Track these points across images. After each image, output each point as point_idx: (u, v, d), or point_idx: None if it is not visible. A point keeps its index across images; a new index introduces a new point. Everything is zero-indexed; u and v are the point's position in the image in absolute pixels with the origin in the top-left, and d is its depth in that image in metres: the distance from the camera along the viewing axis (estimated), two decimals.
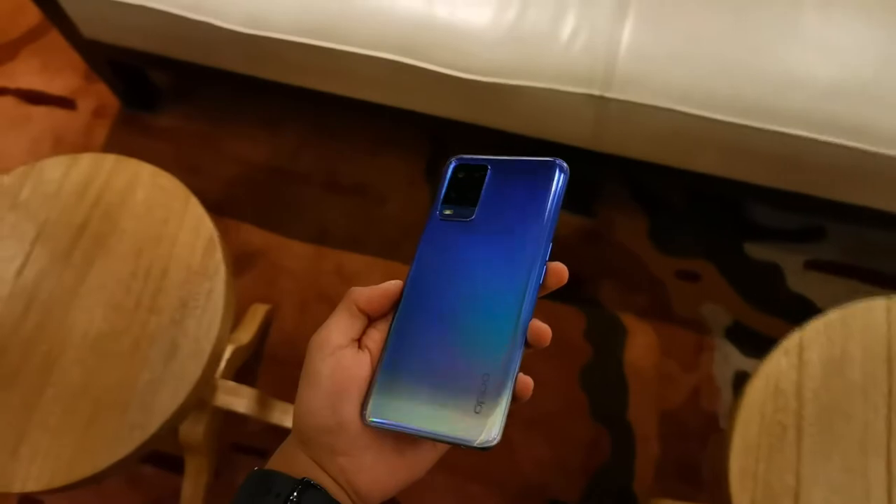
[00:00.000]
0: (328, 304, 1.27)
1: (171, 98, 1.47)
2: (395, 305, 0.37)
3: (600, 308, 1.22)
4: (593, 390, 1.17)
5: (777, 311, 1.19)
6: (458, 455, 1.17)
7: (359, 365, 0.36)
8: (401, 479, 0.36)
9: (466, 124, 1.14)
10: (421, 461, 0.37)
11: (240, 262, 1.30)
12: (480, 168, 0.39)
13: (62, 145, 1.43)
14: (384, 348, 0.37)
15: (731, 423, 0.70)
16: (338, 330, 0.36)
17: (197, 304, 0.77)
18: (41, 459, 0.71)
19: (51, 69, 1.51)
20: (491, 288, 0.36)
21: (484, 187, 0.39)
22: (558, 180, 0.38)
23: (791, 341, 0.72)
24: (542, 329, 0.35)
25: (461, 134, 1.15)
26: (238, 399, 1.02)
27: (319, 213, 1.35)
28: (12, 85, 1.50)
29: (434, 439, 0.34)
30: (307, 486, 0.34)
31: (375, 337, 0.37)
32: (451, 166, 0.40)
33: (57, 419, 0.73)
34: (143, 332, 0.76)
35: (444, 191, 0.40)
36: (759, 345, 1.17)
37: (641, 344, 1.19)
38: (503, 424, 0.33)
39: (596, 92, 0.97)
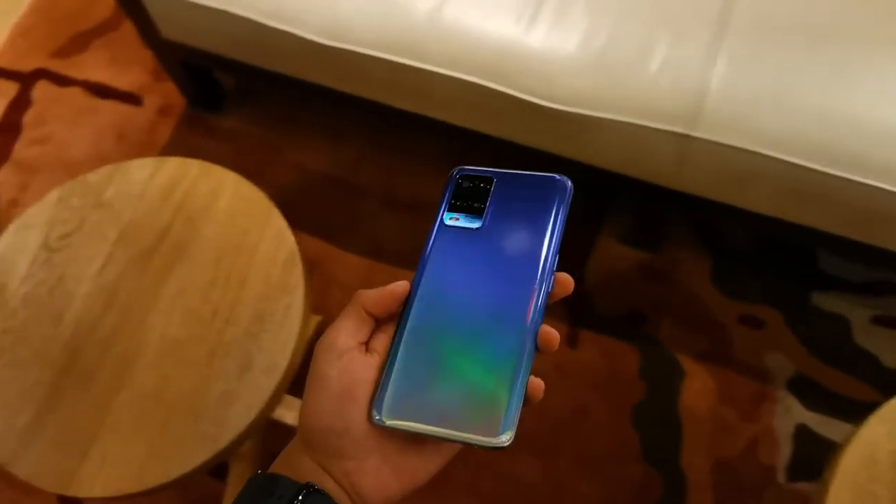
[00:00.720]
0: None
1: (235, 100, 1.47)
2: (402, 307, 0.38)
3: (658, 347, 1.20)
4: (645, 430, 1.15)
5: (842, 366, 1.16)
6: (506, 489, 1.15)
7: (366, 368, 0.36)
8: (405, 484, 0.36)
9: (536, 151, 1.13)
10: (426, 467, 0.36)
11: None
12: (485, 179, 0.41)
13: (125, 141, 1.44)
14: (391, 349, 0.37)
15: (822, 491, 0.67)
16: (346, 333, 0.36)
17: (274, 318, 0.76)
18: (111, 464, 0.71)
19: (120, 64, 1.52)
20: (500, 293, 0.37)
21: (490, 198, 0.40)
22: (565, 195, 0.40)
23: (887, 409, 0.69)
24: (551, 334, 0.36)
25: (528, 160, 1.14)
26: (290, 412, 1.01)
27: (375, 227, 1.34)
28: (80, 76, 1.51)
29: (445, 440, 0.35)
30: (311, 490, 0.34)
31: (383, 340, 0.37)
32: (455, 175, 0.42)
33: (129, 424, 0.72)
34: (219, 342, 0.75)
35: (448, 198, 0.41)
36: (822, 399, 1.14)
37: (699, 387, 1.17)
38: (516, 425, 0.34)
39: (681, 130, 0.95)
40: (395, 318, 0.38)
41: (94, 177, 0.84)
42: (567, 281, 0.38)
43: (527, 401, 0.35)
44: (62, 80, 1.51)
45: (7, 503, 1.12)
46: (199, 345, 0.75)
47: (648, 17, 0.97)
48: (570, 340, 1.23)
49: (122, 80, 1.50)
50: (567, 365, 1.21)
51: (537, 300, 0.37)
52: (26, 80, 1.52)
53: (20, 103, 1.49)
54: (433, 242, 0.40)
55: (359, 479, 0.35)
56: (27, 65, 1.54)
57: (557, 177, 0.40)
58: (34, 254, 0.79)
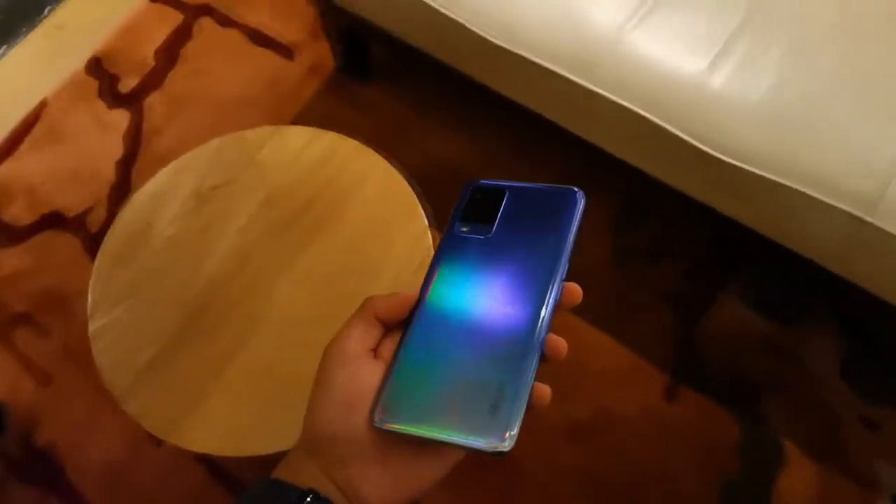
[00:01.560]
0: None
1: (382, 73, 1.47)
2: (411, 314, 0.38)
3: (762, 424, 1.13)
4: None
5: None
6: None
7: (373, 375, 0.36)
8: (408, 492, 0.36)
9: (681, 194, 1.07)
10: (429, 474, 0.36)
11: None
12: (499, 191, 0.41)
13: (272, 91, 1.46)
14: (396, 354, 0.37)
15: None
16: (354, 339, 0.36)
17: None
18: (214, 423, 0.71)
19: (281, 15, 1.54)
20: (508, 301, 0.37)
21: (502, 208, 0.40)
22: (577, 207, 0.40)
23: None
24: (559, 342, 0.36)
25: (667, 201, 1.08)
26: None
27: None
28: (242, 21, 1.54)
29: (448, 444, 0.34)
30: (314, 497, 0.34)
31: (391, 346, 0.37)
32: (470, 188, 0.41)
33: (240, 389, 0.73)
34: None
35: (461, 209, 0.41)
36: None
37: (799, 479, 1.09)
38: (518, 431, 0.34)
39: (858, 212, 0.88)
40: (404, 324, 0.38)
41: (252, 134, 0.84)
42: (575, 291, 0.38)
43: (531, 407, 0.35)
44: (224, 21, 1.55)
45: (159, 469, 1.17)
46: (320, 327, 0.74)
47: (855, 83, 0.90)
48: (669, 393, 1.17)
49: (280, 31, 1.52)
50: (661, 417, 1.16)
51: (545, 309, 0.36)
52: (191, 14, 1.56)
53: (182, 35, 1.54)
54: (443, 251, 0.40)
55: (361, 487, 0.35)
56: None
57: (573, 189, 0.40)
58: (185, 198, 0.81)
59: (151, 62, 1.51)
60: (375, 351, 0.37)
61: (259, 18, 1.54)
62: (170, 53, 1.52)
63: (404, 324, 0.38)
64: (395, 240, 0.78)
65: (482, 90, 1.17)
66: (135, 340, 0.74)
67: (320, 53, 1.48)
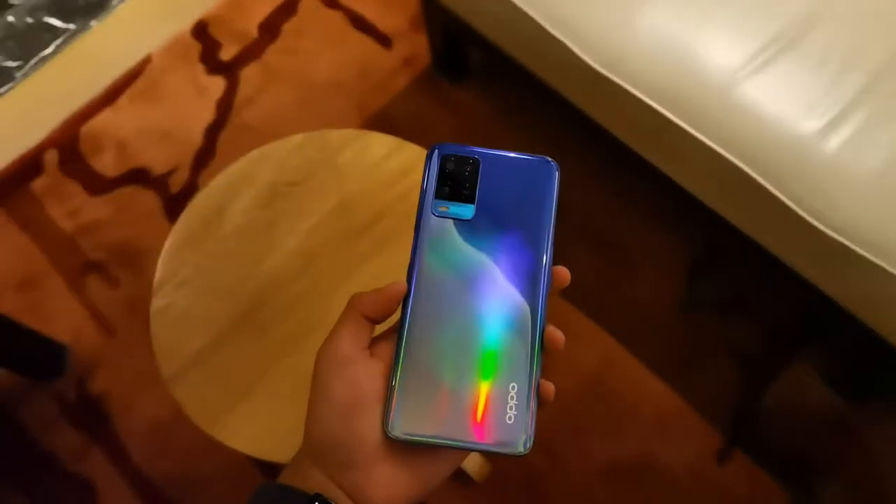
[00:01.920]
0: None
1: (476, 77, 1.44)
2: (402, 308, 0.36)
3: None
4: None
5: None
6: None
7: (371, 377, 0.35)
8: (415, 492, 0.35)
9: (766, 252, 1.01)
10: (436, 473, 0.36)
11: None
12: (470, 161, 0.38)
13: (364, 78, 1.46)
14: (396, 356, 0.35)
15: None
16: (346, 341, 0.35)
17: None
18: (257, 422, 0.72)
19: (385, 3, 1.53)
20: (503, 291, 0.36)
21: (479, 184, 0.37)
22: (555, 182, 0.38)
23: None
24: (557, 334, 0.36)
25: (752, 255, 1.02)
26: None
27: (566, 254, 1.28)
28: (346, 3, 1.54)
29: (466, 450, 0.34)
30: (321, 502, 0.33)
31: (385, 344, 0.36)
32: (436, 156, 0.38)
33: (285, 392, 0.73)
34: None
35: (433, 184, 0.37)
36: None
37: None
38: (534, 429, 0.34)
39: None
40: (395, 319, 0.36)
41: (335, 136, 0.83)
42: (564, 274, 0.37)
43: (540, 403, 0.35)
44: (329, 1, 1.55)
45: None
46: None
47: None
48: (721, 455, 1.12)
49: (381, 19, 1.51)
50: (707, 478, 1.11)
51: (541, 297, 0.36)
52: None
53: (287, 10, 1.55)
54: (425, 235, 0.37)
55: (368, 490, 0.34)
56: None
57: (548, 161, 0.38)
58: (260, 190, 0.81)
59: (254, 34, 1.53)
60: (370, 349, 0.36)
61: (363, 3, 1.54)
62: (272, 27, 1.53)
63: (399, 320, 0.36)
64: None
65: (574, 110, 1.13)
66: (190, 326, 0.74)
67: (417, 47, 1.46)
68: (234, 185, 0.81)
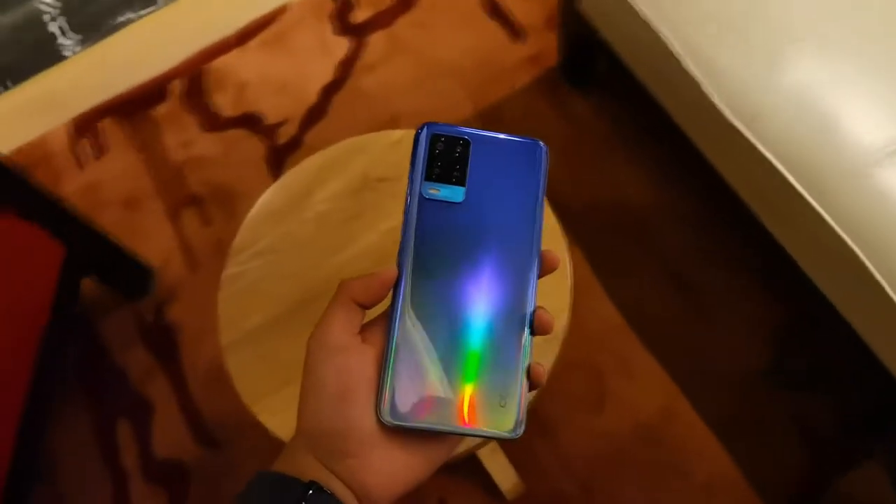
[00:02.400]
0: (597, 381, 1.17)
1: (600, 88, 1.38)
2: (393, 293, 0.36)
3: None
4: None
5: None
6: None
7: (364, 364, 0.35)
8: (411, 478, 0.36)
9: (859, 337, 0.93)
10: (430, 459, 0.36)
11: None
12: (460, 142, 0.37)
13: (485, 67, 1.43)
14: (389, 342, 0.35)
15: None
16: (337, 327, 0.35)
17: None
18: (294, 409, 0.72)
19: None
20: (494, 275, 0.36)
21: (469, 166, 0.37)
22: (543, 165, 0.38)
23: None
24: (547, 317, 0.36)
25: (845, 338, 0.94)
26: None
27: (645, 286, 1.23)
28: None
29: (461, 435, 0.35)
30: (316, 489, 0.33)
31: (376, 330, 0.36)
32: (425, 135, 0.37)
33: None
34: None
35: (423, 164, 0.37)
36: None
37: None
38: (526, 412, 0.35)
39: None
40: (386, 304, 0.36)
41: (396, 134, 0.82)
42: (554, 258, 0.37)
43: (532, 386, 0.35)
44: None
45: None
46: None
47: None
48: None
49: (518, 9, 1.47)
50: None
51: (532, 282, 0.36)
52: None
53: None
54: (415, 218, 0.36)
55: (363, 477, 0.34)
56: None
57: (537, 143, 0.38)
58: (349, 179, 0.81)
59: (389, 1, 1.52)
60: (361, 335, 0.36)
61: None
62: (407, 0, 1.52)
63: (390, 306, 0.36)
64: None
65: (694, 150, 1.07)
66: (254, 301, 0.76)
67: (547, 45, 1.42)
68: (326, 169, 0.81)
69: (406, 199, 0.36)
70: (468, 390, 0.35)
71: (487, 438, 0.35)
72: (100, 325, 1.30)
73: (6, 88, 1.56)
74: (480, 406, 0.34)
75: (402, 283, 0.36)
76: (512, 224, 0.37)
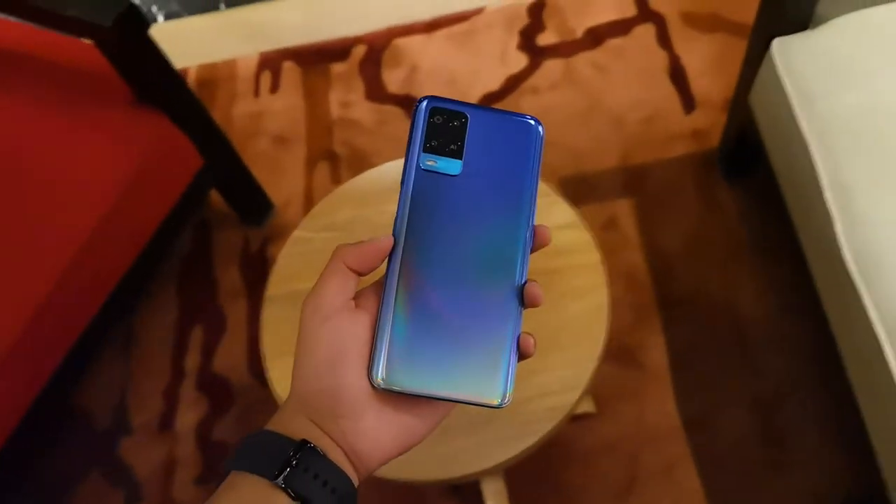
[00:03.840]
0: (631, 469, 1.11)
1: (751, 186, 1.30)
2: (388, 261, 0.37)
3: None
4: None
5: None
6: None
7: (357, 328, 0.35)
8: (402, 442, 0.36)
9: None
10: (423, 424, 0.36)
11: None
12: (459, 115, 0.38)
13: (647, 125, 1.39)
14: (383, 308, 0.36)
15: None
16: (331, 292, 0.36)
17: None
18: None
19: (712, 67, 1.42)
20: (487, 247, 0.37)
21: (467, 140, 0.38)
22: (539, 142, 0.38)
23: None
24: (536, 290, 0.36)
25: None
26: None
27: (720, 402, 1.15)
28: (674, 47, 1.46)
29: (449, 400, 0.36)
30: (306, 448, 0.34)
31: (371, 296, 0.37)
32: (424, 107, 0.38)
33: None
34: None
35: (421, 136, 0.37)
36: None
37: None
38: (513, 382, 0.36)
39: None
40: (380, 271, 0.37)
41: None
42: (546, 234, 0.38)
43: (521, 356, 0.36)
44: (663, 39, 1.48)
45: None
46: None
47: None
48: None
49: (698, 81, 1.42)
50: None
51: (524, 255, 0.37)
52: (642, 14, 1.51)
53: (621, 26, 1.51)
54: (411, 188, 0.37)
55: (355, 438, 0.35)
56: (663, 7, 1.52)
57: (534, 120, 0.38)
58: None
59: (578, 34, 1.52)
60: (355, 301, 0.37)
61: (692, 57, 1.44)
62: (598, 36, 1.51)
63: (385, 273, 0.37)
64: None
65: (821, 314, 0.96)
66: (308, 267, 0.80)
67: (715, 126, 1.35)
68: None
69: (403, 170, 0.37)
70: (457, 358, 0.35)
71: (475, 405, 0.35)
72: (213, 235, 1.43)
73: (217, 10, 1.73)
74: (470, 374, 0.35)
75: (397, 252, 0.36)
76: (507, 198, 0.37)
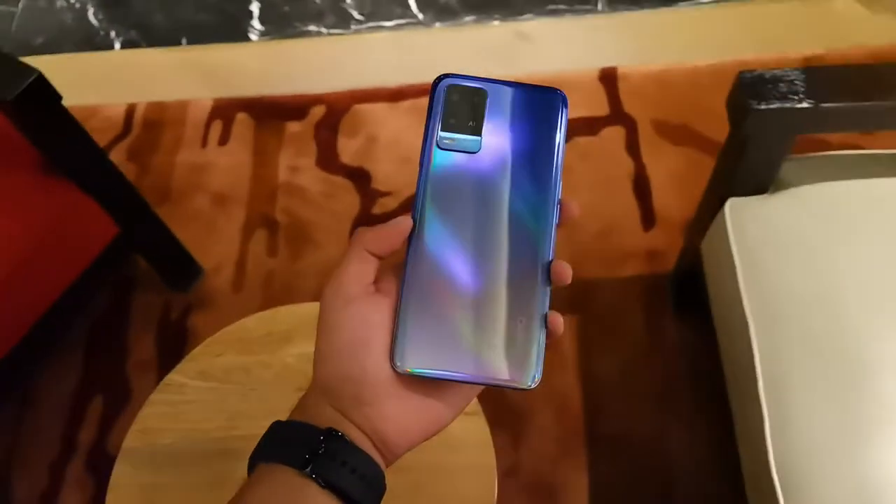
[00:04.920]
0: None
1: (700, 322, 1.23)
2: (407, 243, 0.36)
3: None
4: None
5: None
6: None
7: (378, 312, 0.35)
8: (427, 427, 0.36)
9: None
10: (448, 408, 0.36)
11: None
12: (478, 92, 0.37)
13: (601, 239, 1.32)
14: (403, 291, 0.35)
15: None
16: (352, 277, 0.35)
17: None
18: None
19: (684, 182, 1.36)
20: (512, 227, 0.36)
21: (486, 116, 0.37)
22: (563, 112, 0.37)
23: None
24: (564, 266, 0.36)
25: None
26: None
27: None
28: (648, 156, 1.39)
29: (476, 384, 0.35)
30: (333, 436, 0.33)
31: (391, 279, 0.36)
32: (443, 86, 0.37)
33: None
34: None
35: (440, 115, 0.37)
36: None
37: None
38: (543, 362, 0.35)
39: None
40: (400, 254, 0.36)
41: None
42: (574, 208, 0.37)
43: (549, 335, 0.35)
44: (632, 146, 1.41)
45: None
46: None
47: None
48: None
49: (663, 198, 1.35)
50: None
51: (549, 231, 0.36)
52: (623, 120, 1.45)
53: (594, 124, 1.44)
54: (430, 168, 0.36)
55: (380, 424, 0.35)
56: (636, 110, 1.46)
57: (556, 91, 0.37)
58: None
59: None
60: (376, 285, 0.36)
61: (658, 168, 1.38)
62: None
63: (405, 255, 0.36)
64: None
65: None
66: (175, 421, 0.72)
67: (672, 247, 1.28)
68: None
69: (422, 150, 0.36)
70: (483, 339, 0.34)
71: (503, 388, 0.33)
72: (133, 297, 1.34)
73: (178, 44, 1.64)
74: (496, 356, 0.34)
75: (417, 233, 0.36)
76: (529, 173, 0.36)
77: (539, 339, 0.35)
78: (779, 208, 0.89)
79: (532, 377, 0.34)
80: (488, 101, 0.37)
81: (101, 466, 1.20)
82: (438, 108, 0.37)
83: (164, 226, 1.22)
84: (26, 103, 0.88)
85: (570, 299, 1.26)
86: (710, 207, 0.97)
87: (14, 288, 1.00)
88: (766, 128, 0.82)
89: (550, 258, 0.36)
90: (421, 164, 0.36)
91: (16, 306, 1.04)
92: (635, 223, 1.33)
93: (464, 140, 0.37)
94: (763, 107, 0.79)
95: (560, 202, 0.36)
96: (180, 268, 1.32)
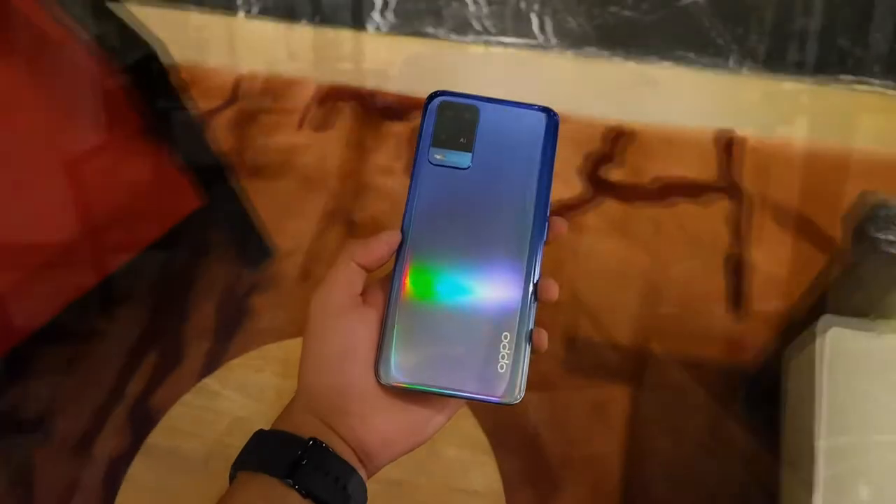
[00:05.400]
0: None
1: (768, 425, 1.14)
2: (395, 257, 0.36)
3: None
4: None
5: None
6: None
7: (364, 325, 0.35)
8: (410, 439, 0.36)
9: None
10: (430, 421, 0.36)
11: None
12: (470, 109, 0.38)
13: (681, 312, 1.24)
14: (390, 304, 0.35)
15: None
16: (339, 289, 0.36)
17: None
18: None
19: (795, 265, 1.26)
20: (498, 241, 0.36)
21: (477, 133, 0.37)
22: (554, 131, 0.38)
23: None
24: (551, 284, 0.36)
25: None
26: None
27: None
28: (758, 231, 1.30)
29: (461, 398, 0.35)
30: (316, 446, 0.33)
31: (378, 292, 0.37)
32: (436, 103, 0.38)
33: None
34: None
35: (431, 131, 0.37)
36: None
37: None
38: (527, 378, 0.35)
39: None
40: (388, 267, 0.37)
41: None
42: (562, 225, 0.37)
43: (533, 351, 0.35)
44: (734, 222, 1.32)
45: None
46: None
47: None
48: None
49: (759, 284, 1.26)
50: None
51: (536, 248, 0.36)
52: (731, 192, 1.36)
53: (696, 189, 1.36)
54: (420, 183, 0.37)
55: (364, 436, 0.35)
56: (751, 184, 1.36)
57: (548, 110, 0.38)
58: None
59: (645, 179, 1.38)
60: (363, 297, 0.37)
61: (760, 253, 1.28)
62: (666, 189, 1.36)
63: (392, 269, 0.36)
64: None
65: None
66: (198, 428, 0.72)
67: (755, 340, 1.20)
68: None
69: (413, 165, 0.37)
70: (469, 354, 0.35)
71: (487, 403, 0.34)
72: (203, 264, 1.36)
73: (300, 21, 1.65)
74: (481, 370, 0.35)
75: (405, 247, 0.36)
76: (519, 191, 0.37)
77: (524, 355, 0.35)
78: (881, 341, 0.81)
79: (515, 393, 0.34)
80: (480, 118, 0.38)
81: (141, 420, 1.23)
82: (430, 124, 0.38)
83: (245, 202, 1.23)
84: (138, 72, 0.90)
85: (633, 369, 1.20)
86: (805, 317, 0.88)
87: (99, 238, 1.04)
88: (885, 259, 0.74)
89: (537, 275, 0.36)
90: (411, 179, 0.37)
91: (97, 253, 1.08)
92: (721, 306, 1.24)
93: (454, 156, 0.37)
94: (885, 237, 0.71)
95: (548, 219, 0.37)
96: (254, 245, 1.33)
